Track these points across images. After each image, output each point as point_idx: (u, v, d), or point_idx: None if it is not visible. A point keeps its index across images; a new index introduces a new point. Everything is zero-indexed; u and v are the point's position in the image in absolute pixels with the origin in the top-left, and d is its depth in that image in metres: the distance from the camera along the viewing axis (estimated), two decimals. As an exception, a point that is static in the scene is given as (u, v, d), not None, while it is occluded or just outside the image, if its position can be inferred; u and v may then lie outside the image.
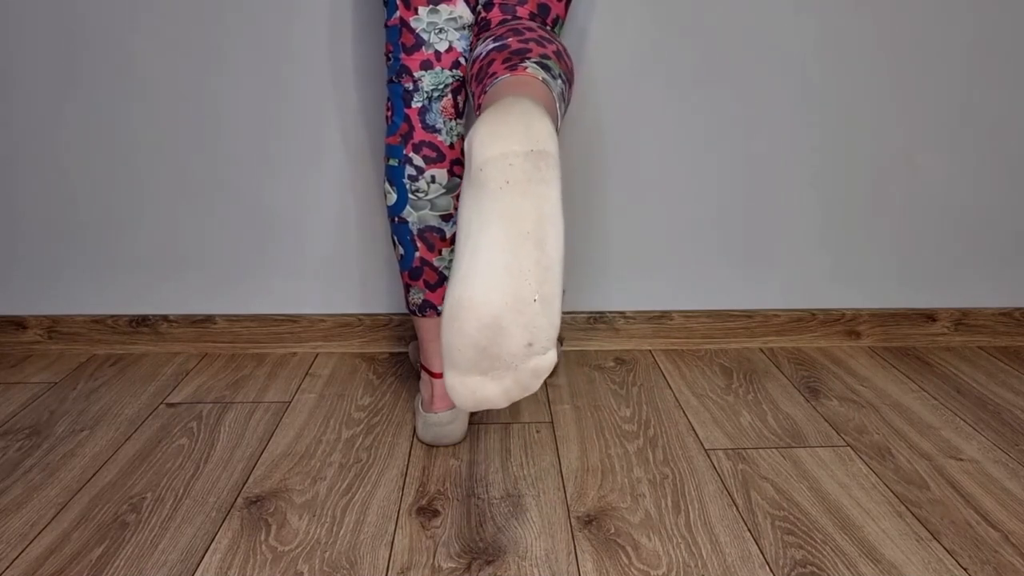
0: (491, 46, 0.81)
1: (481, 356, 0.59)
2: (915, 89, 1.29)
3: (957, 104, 1.30)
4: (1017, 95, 1.30)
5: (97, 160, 1.28)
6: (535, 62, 0.76)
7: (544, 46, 0.79)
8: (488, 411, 1.15)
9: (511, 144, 0.59)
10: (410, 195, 0.96)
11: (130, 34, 1.21)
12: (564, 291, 1.36)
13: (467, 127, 1.04)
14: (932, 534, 0.86)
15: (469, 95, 0.94)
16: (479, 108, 0.76)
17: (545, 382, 1.25)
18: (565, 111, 0.80)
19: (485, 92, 0.75)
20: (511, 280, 0.58)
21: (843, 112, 1.29)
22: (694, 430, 1.09)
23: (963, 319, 1.41)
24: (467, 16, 0.93)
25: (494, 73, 0.76)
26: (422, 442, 1.05)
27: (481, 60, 0.81)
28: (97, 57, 1.22)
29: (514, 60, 0.76)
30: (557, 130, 0.76)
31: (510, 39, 0.80)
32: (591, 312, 1.38)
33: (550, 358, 0.61)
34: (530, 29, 0.83)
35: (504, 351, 0.60)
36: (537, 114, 0.61)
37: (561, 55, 0.81)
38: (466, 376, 0.60)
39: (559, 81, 0.76)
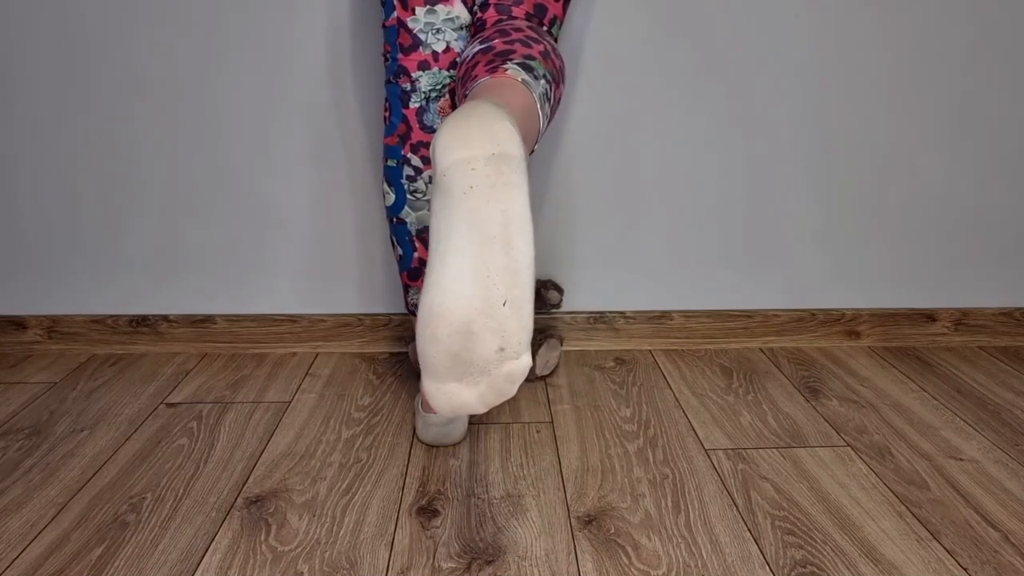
0: (477, 48, 0.81)
1: (455, 362, 0.59)
2: (915, 89, 1.29)
3: (957, 104, 1.30)
4: (1017, 95, 1.30)
5: (97, 160, 1.28)
6: (517, 63, 0.75)
7: (530, 46, 0.79)
8: (488, 411, 1.15)
9: (472, 149, 0.58)
10: (408, 195, 0.96)
11: (130, 35, 1.22)
12: (562, 291, 1.36)
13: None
14: (932, 534, 0.86)
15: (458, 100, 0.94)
16: None
17: (545, 382, 1.25)
18: (553, 111, 0.79)
19: (466, 95, 0.75)
20: (479, 285, 0.58)
21: (843, 112, 1.29)
22: (694, 430, 1.09)
23: (963, 319, 1.41)
24: (464, 16, 0.93)
25: (476, 76, 0.75)
26: (422, 442, 1.05)
27: (467, 63, 0.81)
28: (97, 58, 1.22)
29: (496, 62, 0.75)
30: (540, 131, 0.75)
31: (496, 40, 0.80)
32: (591, 312, 1.38)
33: (523, 362, 0.61)
34: (518, 30, 0.83)
35: (476, 356, 0.60)
36: (497, 116, 0.60)
37: (548, 55, 0.80)
38: (442, 383, 0.61)
39: (542, 81, 0.75)
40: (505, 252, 0.59)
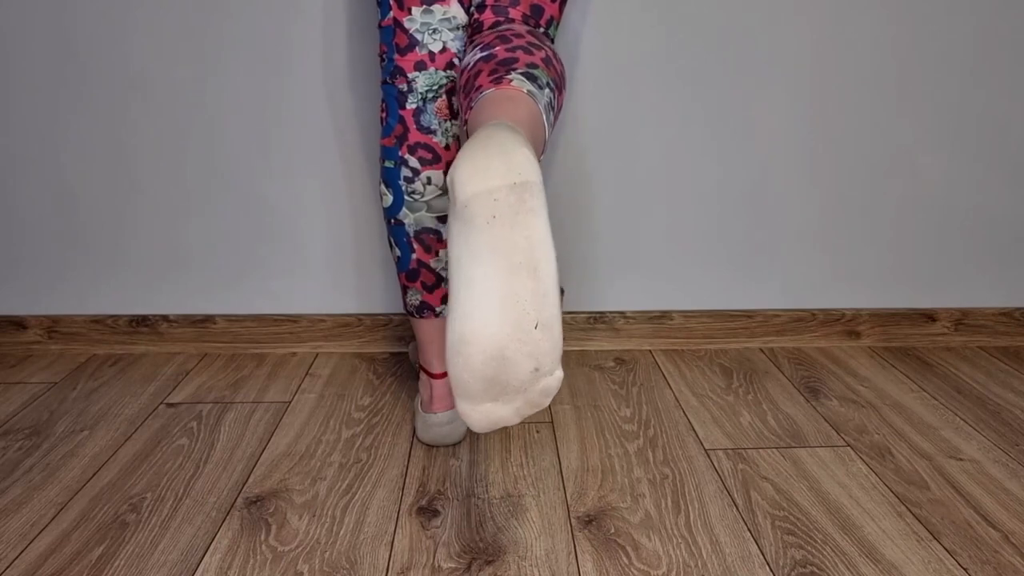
0: (478, 56, 0.80)
1: (490, 385, 0.60)
2: (915, 89, 1.29)
3: (957, 104, 1.30)
4: (1017, 95, 1.30)
5: (97, 160, 1.28)
6: (521, 73, 0.75)
7: (532, 53, 0.79)
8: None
9: (493, 179, 0.59)
10: (406, 197, 0.96)
11: (128, 35, 1.22)
12: (563, 291, 1.36)
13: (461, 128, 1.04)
14: (932, 534, 0.86)
15: (458, 107, 0.93)
16: (466, 123, 0.75)
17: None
18: (556, 118, 0.79)
19: (471, 107, 0.74)
20: (510, 311, 0.59)
21: (843, 112, 1.29)
22: (694, 430, 1.09)
23: (963, 319, 1.41)
24: (461, 16, 0.93)
25: (480, 86, 0.75)
26: (422, 442, 1.05)
27: (469, 71, 0.80)
28: (96, 58, 1.22)
29: (500, 72, 0.75)
30: (546, 140, 0.76)
31: (497, 48, 0.80)
32: (591, 312, 1.38)
33: (557, 376, 0.63)
34: (518, 36, 0.82)
35: (512, 379, 0.61)
36: (516, 143, 0.60)
37: (550, 61, 0.80)
38: (478, 404, 0.62)
39: (546, 90, 0.76)
40: (533, 277, 0.59)
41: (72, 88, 1.24)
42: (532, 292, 0.59)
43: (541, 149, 0.75)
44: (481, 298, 0.59)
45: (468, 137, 0.73)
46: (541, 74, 0.77)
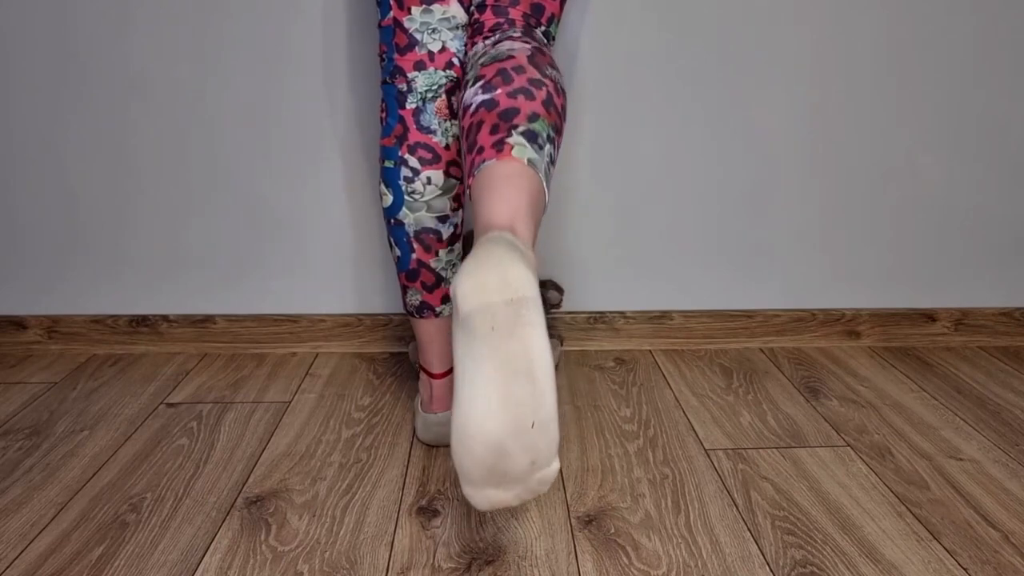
0: (480, 99, 0.81)
1: (491, 473, 0.66)
2: (916, 89, 1.29)
3: (957, 104, 1.30)
4: (1017, 95, 1.30)
5: (97, 160, 1.28)
6: (521, 132, 0.77)
7: (534, 97, 0.80)
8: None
9: (491, 296, 0.64)
10: (406, 196, 0.96)
11: (128, 35, 1.22)
12: (563, 291, 1.37)
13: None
14: (932, 534, 0.86)
15: (457, 107, 0.94)
16: (470, 188, 0.78)
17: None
18: (556, 161, 0.81)
19: (474, 174, 0.77)
20: (509, 410, 0.64)
21: (843, 112, 1.29)
22: (694, 430, 1.09)
23: (963, 319, 1.41)
24: (460, 16, 0.93)
25: (482, 147, 0.78)
26: (422, 442, 1.05)
27: (470, 116, 0.81)
28: (96, 58, 1.23)
29: (500, 132, 0.77)
30: (546, 203, 0.79)
31: (499, 92, 0.80)
32: (591, 312, 1.38)
33: (554, 468, 0.68)
34: (519, 69, 0.82)
35: (511, 470, 0.66)
36: (513, 260, 0.66)
37: (551, 101, 0.81)
38: (480, 489, 0.67)
39: (547, 147, 0.79)
40: (530, 381, 0.64)
41: (72, 88, 1.24)
42: (530, 395, 0.64)
43: (543, 210, 0.78)
44: (482, 397, 0.64)
45: (472, 199, 0.77)
46: (542, 128, 0.79)
